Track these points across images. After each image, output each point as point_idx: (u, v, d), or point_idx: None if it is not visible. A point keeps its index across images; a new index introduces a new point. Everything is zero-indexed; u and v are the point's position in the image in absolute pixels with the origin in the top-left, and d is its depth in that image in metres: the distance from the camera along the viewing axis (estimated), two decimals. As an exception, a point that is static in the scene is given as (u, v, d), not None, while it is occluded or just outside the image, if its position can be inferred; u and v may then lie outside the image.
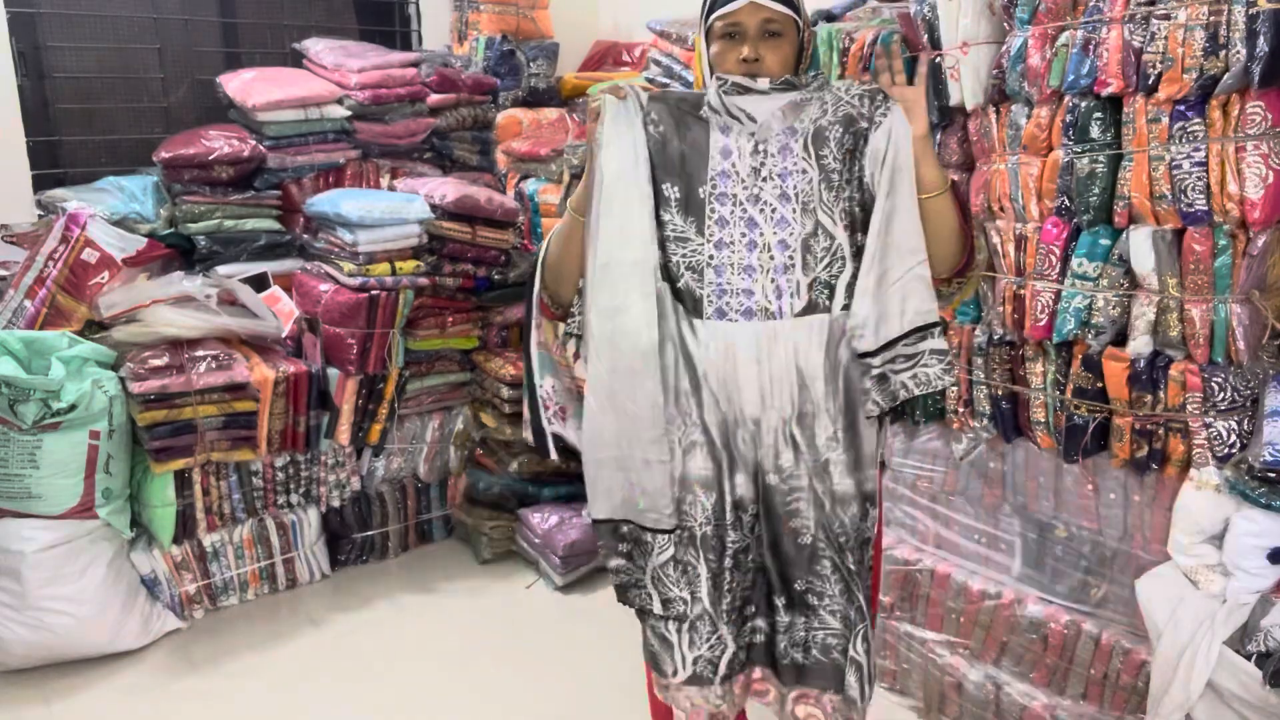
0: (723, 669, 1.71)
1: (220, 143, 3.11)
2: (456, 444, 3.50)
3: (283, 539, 3.14)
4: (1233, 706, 1.73)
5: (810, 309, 1.60)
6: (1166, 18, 1.74)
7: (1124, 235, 1.88)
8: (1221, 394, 1.81)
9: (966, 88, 2.07)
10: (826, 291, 1.61)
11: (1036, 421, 2.10)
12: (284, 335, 3.03)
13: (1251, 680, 1.68)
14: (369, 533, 3.37)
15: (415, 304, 3.20)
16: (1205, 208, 1.75)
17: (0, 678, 2.69)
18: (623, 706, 2.49)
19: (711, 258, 1.60)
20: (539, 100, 4.01)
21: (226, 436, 2.91)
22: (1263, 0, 1.61)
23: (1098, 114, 1.87)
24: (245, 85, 3.26)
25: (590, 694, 2.59)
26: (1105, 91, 1.83)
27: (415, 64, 3.55)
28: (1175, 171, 1.76)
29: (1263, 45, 1.61)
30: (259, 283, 3.12)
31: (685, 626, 1.70)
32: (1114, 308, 1.92)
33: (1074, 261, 1.95)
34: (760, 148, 1.60)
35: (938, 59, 2.11)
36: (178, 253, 3.13)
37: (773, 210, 1.59)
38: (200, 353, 2.83)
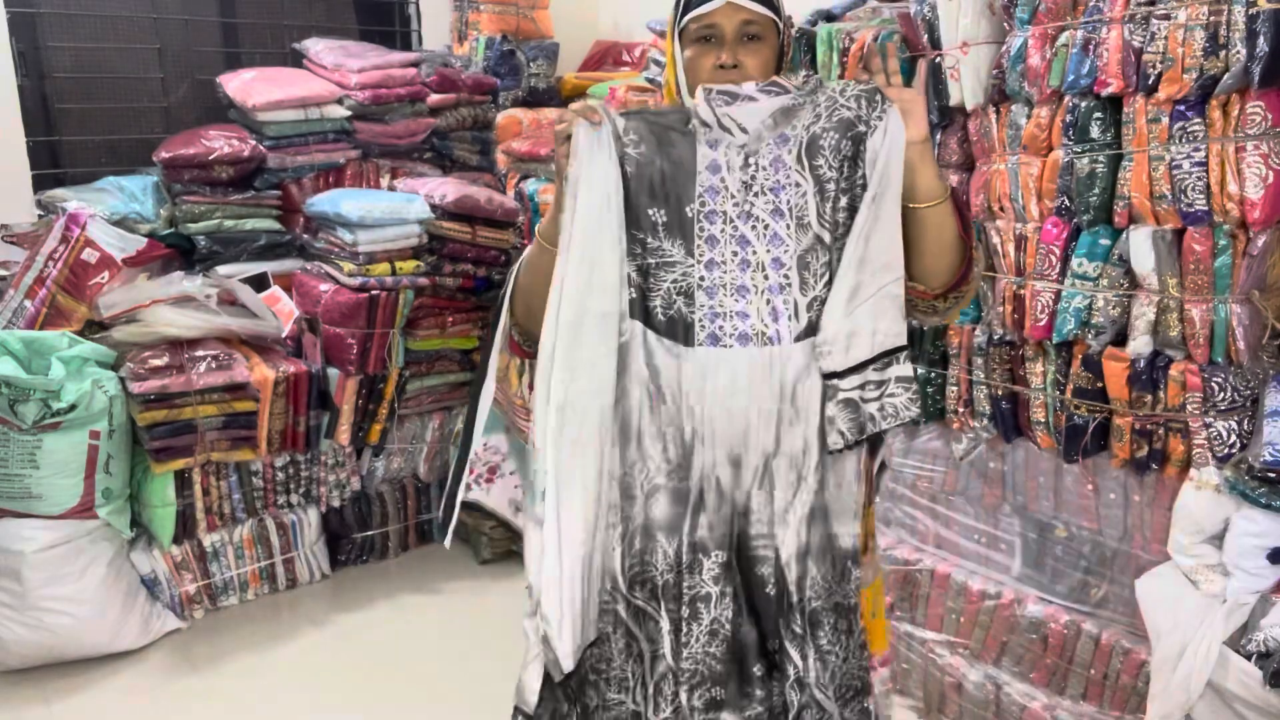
0: None
1: (220, 143, 3.11)
2: (456, 444, 3.50)
3: (283, 539, 3.14)
4: (1233, 706, 1.72)
5: (810, 332, 1.46)
6: (1166, 18, 1.74)
7: (1124, 235, 1.88)
8: (1221, 394, 1.81)
9: (966, 88, 2.07)
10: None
11: (1036, 421, 2.10)
12: (284, 335, 3.03)
13: (1251, 680, 1.67)
14: (369, 533, 3.37)
15: (415, 304, 3.20)
16: (1205, 208, 1.75)
17: (0, 678, 2.69)
18: (623, 706, 2.49)
19: (702, 279, 1.47)
20: (539, 100, 4.01)
21: (226, 436, 2.91)
22: (1263, 0, 1.61)
23: (1098, 114, 1.87)
24: (245, 85, 3.26)
25: (590, 694, 2.59)
26: (1105, 91, 1.83)
27: (415, 64, 3.55)
28: (1175, 171, 1.76)
29: (1263, 45, 1.61)
30: (259, 283, 3.12)
31: (651, 691, 1.49)
32: (1114, 308, 1.92)
33: (1074, 261, 1.95)
34: (751, 160, 1.47)
35: (938, 59, 2.11)
36: (178, 253, 3.13)
37: (765, 226, 1.47)
38: (200, 353, 2.83)
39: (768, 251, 1.47)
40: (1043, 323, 2.01)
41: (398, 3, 4.23)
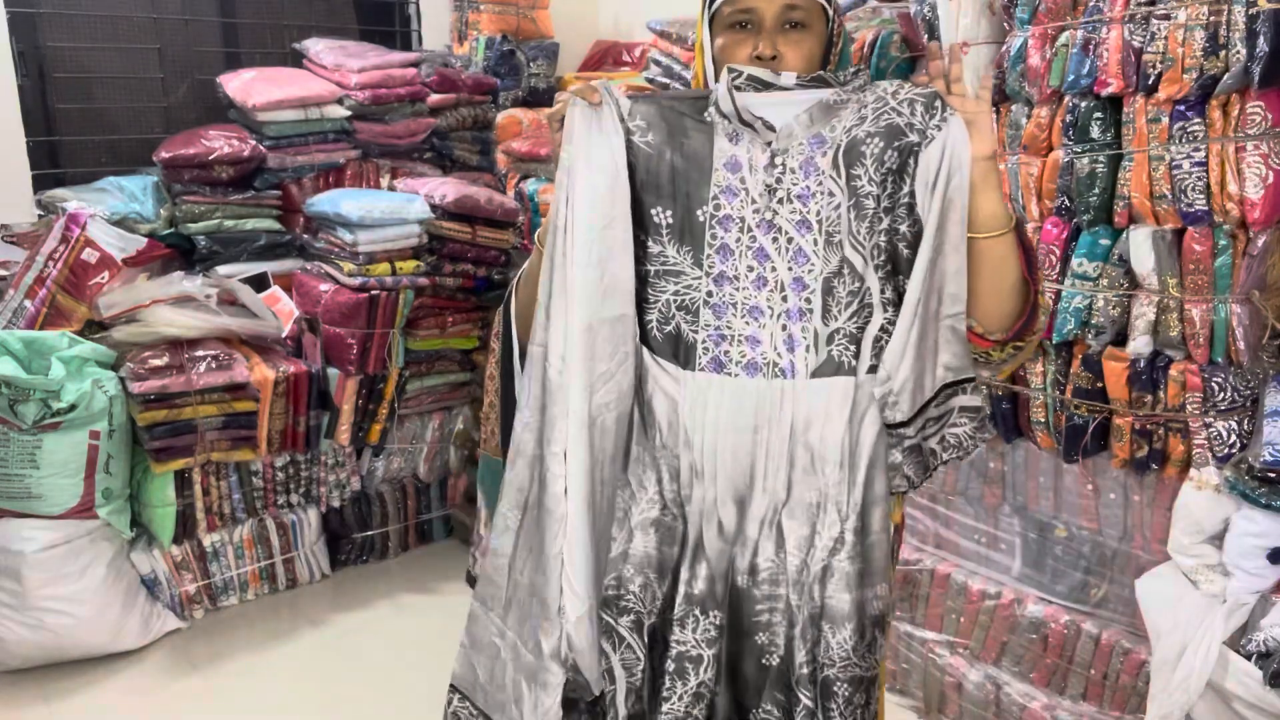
0: None
1: (220, 143, 3.11)
2: (456, 444, 3.50)
3: (283, 539, 3.14)
4: (1233, 706, 1.72)
5: (829, 368, 1.27)
6: (1166, 18, 1.74)
7: (1124, 235, 1.88)
8: (1221, 394, 1.81)
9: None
10: (851, 347, 1.28)
11: (1036, 421, 2.10)
12: (284, 335, 3.03)
13: (1251, 680, 1.67)
14: (369, 533, 3.37)
15: (415, 304, 3.20)
16: (1205, 208, 1.75)
17: (0, 678, 2.69)
18: (623, 706, 2.49)
19: (710, 294, 1.28)
20: (539, 100, 4.01)
21: (226, 436, 2.91)
22: (1263, 0, 1.60)
23: (1098, 114, 1.87)
24: (245, 85, 3.26)
25: (590, 694, 2.59)
26: (1105, 91, 1.83)
27: (415, 64, 3.55)
28: (1175, 171, 1.76)
29: (1263, 45, 1.61)
30: (259, 283, 3.12)
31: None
32: (1114, 308, 1.92)
33: (1074, 261, 1.95)
34: (778, 160, 1.26)
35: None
36: (178, 253, 3.13)
37: (789, 240, 1.26)
38: (200, 353, 2.83)
39: (789, 269, 1.27)
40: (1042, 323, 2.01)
41: (398, 3, 4.23)
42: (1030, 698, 2.20)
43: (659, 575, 1.31)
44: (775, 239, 1.26)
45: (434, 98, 3.55)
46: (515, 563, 1.34)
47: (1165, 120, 1.77)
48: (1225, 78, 1.68)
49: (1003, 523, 2.29)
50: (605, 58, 4.18)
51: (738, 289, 1.27)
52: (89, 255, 2.85)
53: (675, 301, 1.29)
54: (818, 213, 1.26)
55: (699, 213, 1.28)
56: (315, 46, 3.52)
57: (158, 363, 2.76)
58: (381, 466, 3.36)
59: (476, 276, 3.40)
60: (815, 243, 1.26)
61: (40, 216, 3.16)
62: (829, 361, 1.27)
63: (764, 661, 1.31)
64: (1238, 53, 1.65)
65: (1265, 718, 1.68)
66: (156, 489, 2.86)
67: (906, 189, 1.25)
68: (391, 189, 3.39)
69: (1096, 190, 1.89)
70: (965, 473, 2.32)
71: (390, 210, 3.05)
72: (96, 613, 2.71)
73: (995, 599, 2.26)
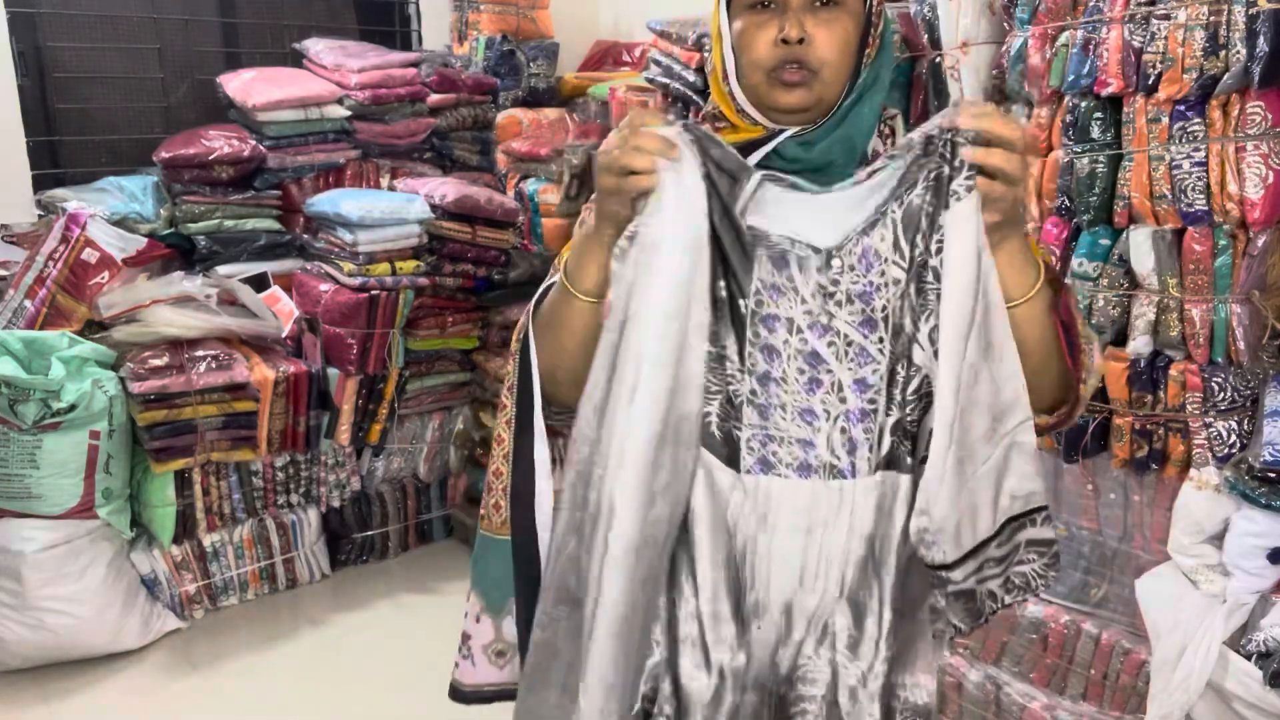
0: None
1: (220, 143, 3.11)
2: (456, 444, 3.50)
3: (283, 539, 3.14)
4: (1233, 706, 1.72)
5: (889, 463, 1.07)
6: (1166, 18, 1.74)
7: (1124, 235, 1.88)
8: (1221, 394, 1.81)
9: (966, 88, 2.07)
10: (908, 441, 1.07)
11: (1036, 421, 2.10)
12: (284, 335, 3.03)
13: (1251, 680, 1.68)
14: (369, 533, 3.37)
15: (415, 304, 3.20)
16: (1205, 208, 1.75)
17: (0, 678, 2.69)
18: (623, 706, 2.49)
19: (754, 393, 1.08)
20: (539, 100, 4.01)
21: (226, 436, 2.91)
22: (1263, 0, 1.60)
23: (1098, 114, 1.87)
24: (245, 85, 3.26)
25: (590, 694, 2.59)
26: (1105, 91, 1.83)
27: (415, 64, 3.55)
28: (1175, 171, 1.76)
29: (1263, 45, 1.61)
30: (259, 283, 3.12)
31: None
32: (1114, 308, 1.92)
33: (1074, 261, 1.95)
34: (834, 259, 1.04)
35: (938, 59, 2.11)
36: (178, 253, 3.13)
37: (849, 342, 1.06)
38: (200, 353, 2.83)
39: (849, 371, 1.06)
40: (1043, 323, 2.01)
41: (398, 3, 4.23)
42: (1030, 698, 2.20)
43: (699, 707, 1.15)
44: (832, 343, 1.06)
45: (434, 98, 3.55)
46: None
47: (1165, 120, 1.77)
48: (1225, 78, 1.67)
49: (1003, 523, 2.29)
50: (605, 58, 4.17)
51: (786, 391, 1.08)
52: (89, 255, 2.85)
53: (715, 388, 1.09)
54: (883, 308, 1.04)
55: (741, 304, 1.07)
56: (315, 46, 3.52)
57: (158, 363, 2.76)
58: (381, 466, 3.36)
59: (476, 276, 3.40)
60: (881, 340, 1.05)
61: (40, 216, 3.16)
62: (889, 457, 1.07)
63: None
64: (1238, 53, 1.65)
65: (1265, 718, 1.68)
66: (156, 489, 2.86)
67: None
68: (391, 189, 3.39)
69: (1096, 190, 1.89)
70: (965, 473, 2.32)
71: (390, 210, 3.05)
72: (96, 613, 2.71)
73: (995, 599, 2.26)
